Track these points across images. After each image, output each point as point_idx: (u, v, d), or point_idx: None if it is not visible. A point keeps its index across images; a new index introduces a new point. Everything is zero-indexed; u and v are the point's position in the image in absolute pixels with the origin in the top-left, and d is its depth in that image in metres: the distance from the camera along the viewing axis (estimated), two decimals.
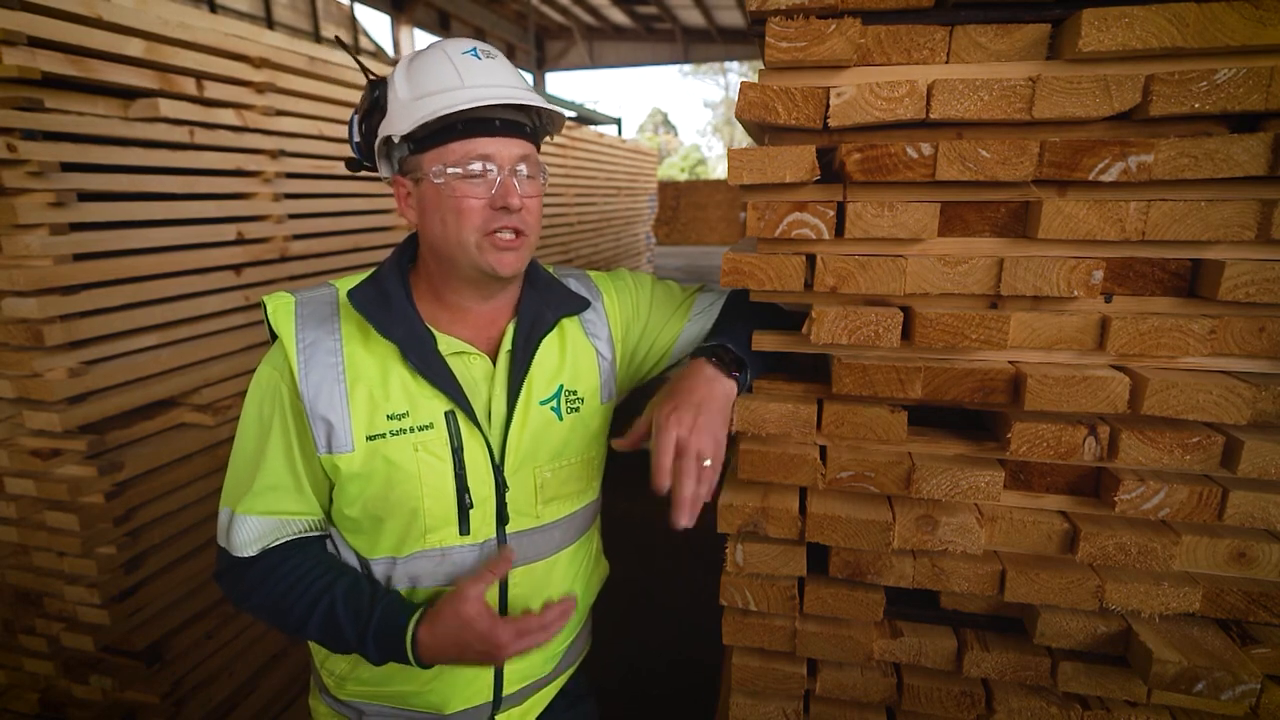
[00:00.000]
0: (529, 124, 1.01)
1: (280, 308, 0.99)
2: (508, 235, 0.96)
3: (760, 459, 0.96)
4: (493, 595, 1.04)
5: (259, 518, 0.98)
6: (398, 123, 0.95)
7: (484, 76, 0.95)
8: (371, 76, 1.04)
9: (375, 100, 1.01)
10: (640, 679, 2.57)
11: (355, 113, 1.04)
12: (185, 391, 2.09)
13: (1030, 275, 0.83)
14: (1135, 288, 0.86)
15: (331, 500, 1.02)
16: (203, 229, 2.12)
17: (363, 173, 1.09)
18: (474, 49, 0.98)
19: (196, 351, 2.12)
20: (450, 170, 0.94)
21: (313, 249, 2.56)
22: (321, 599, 0.96)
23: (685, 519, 0.87)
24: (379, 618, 0.95)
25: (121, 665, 1.92)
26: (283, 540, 0.99)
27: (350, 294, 0.99)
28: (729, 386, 0.96)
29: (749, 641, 1.03)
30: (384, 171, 1.04)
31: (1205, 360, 0.85)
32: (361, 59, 1.17)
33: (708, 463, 0.89)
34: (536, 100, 0.97)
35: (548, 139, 1.10)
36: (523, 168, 0.97)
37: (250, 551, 0.98)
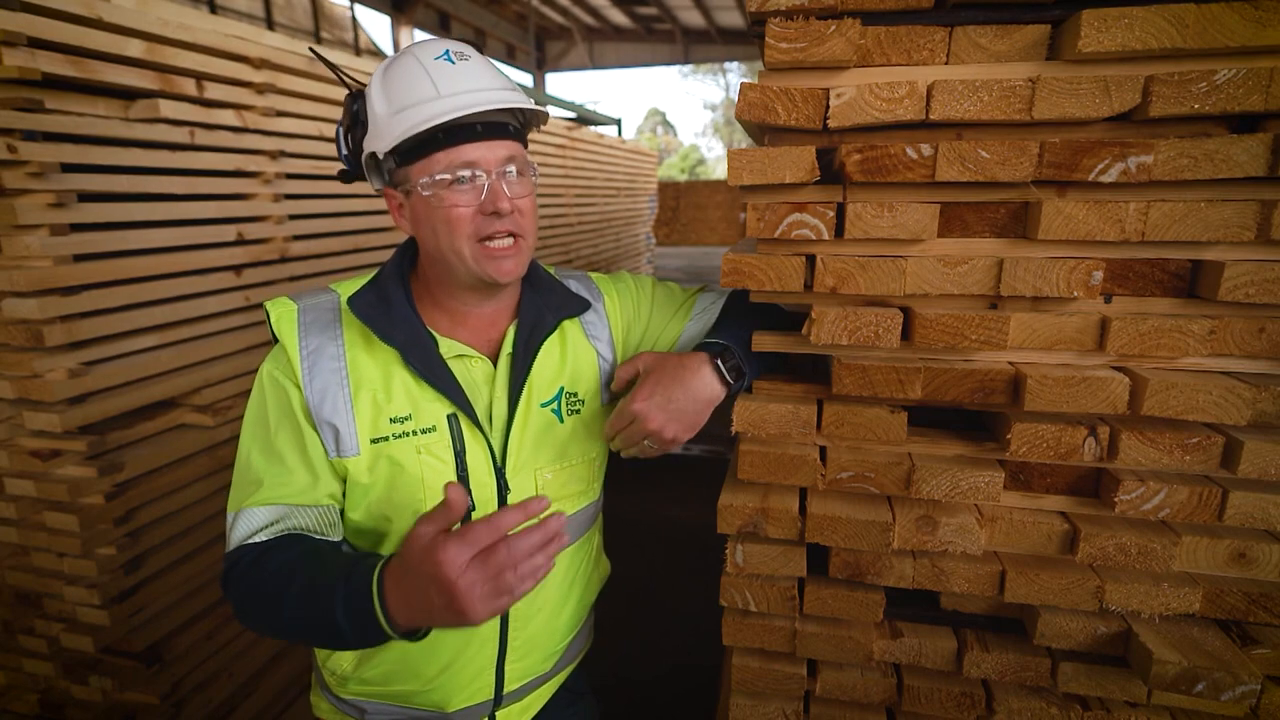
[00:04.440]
0: (512, 123, 1.00)
1: (284, 315, 0.99)
2: (504, 242, 0.96)
3: (760, 459, 0.96)
4: None
5: (267, 507, 0.94)
6: (379, 139, 0.95)
7: (460, 82, 0.93)
8: (351, 88, 1.03)
9: (355, 115, 1.00)
10: (640, 678, 2.57)
11: (339, 126, 1.03)
12: (185, 392, 2.09)
13: (1030, 276, 0.83)
14: (1135, 288, 0.86)
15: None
16: (203, 230, 2.12)
17: (357, 183, 1.08)
18: (446, 52, 0.96)
19: (197, 352, 2.12)
20: (437, 178, 0.93)
21: (313, 249, 2.56)
22: (298, 574, 0.86)
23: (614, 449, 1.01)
24: (349, 571, 0.82)
25: (121, 666, 1.92)
26: (287, 530, 0.95)
27: (350, 301, 0.98)
28: (716, 393, 0.98)
29: (749, 642, 1.03)
30: (375, 184, 1.03)
31: (1205, 361, 0.85)
32: (351, 67, 1.16)
33: (652, 446, 0.97)
34: (514, 101, 0.95)
35: (541, 132, 1.09)
36: (511, 169, 0.96)
37: (256, 539, 0.93)
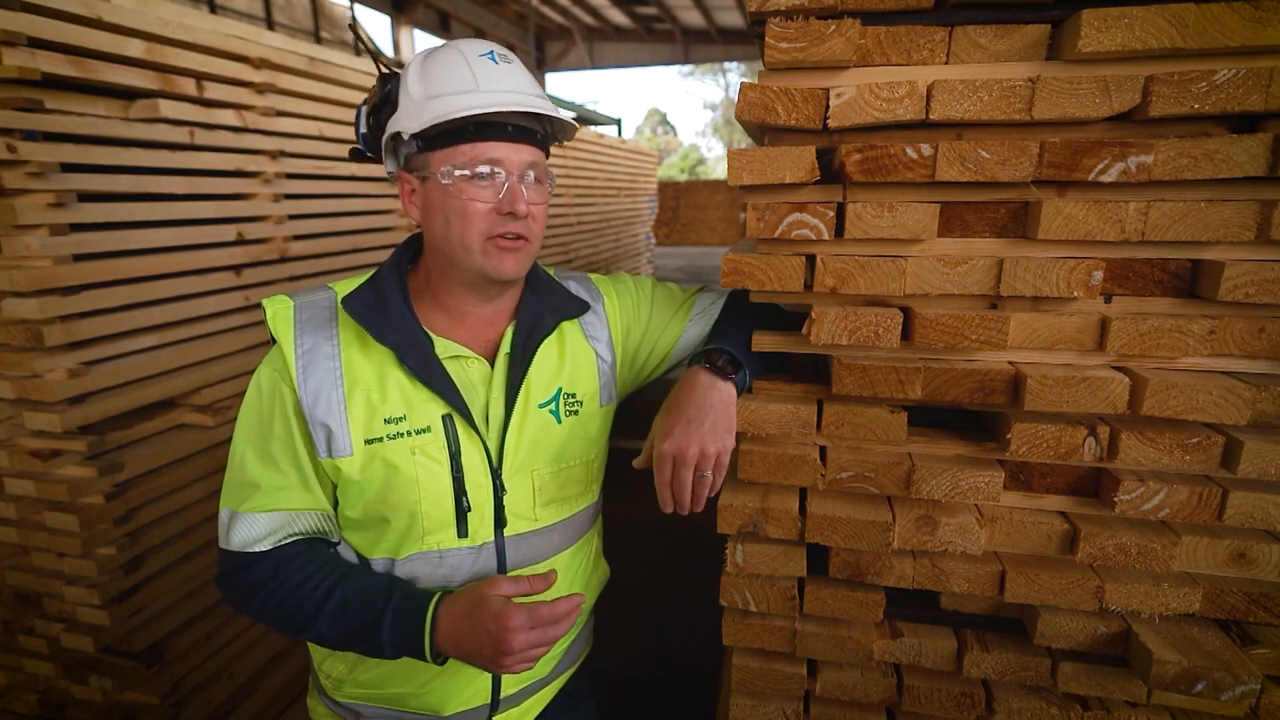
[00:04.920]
0: (540, 131, 1.01)
1: (279, 313, 0.99)
2: (511, 240, 0.96)
3: (760, 459, 0.96)
4: None
5: (267, 514, 0.96)
6: (408, 120, 0.95)
7: (500, 81, 0.95)
8: (384, 70, 1.03)
9: (386, 95, 1.00)
10: (640, 678, 2.57)
11: (364, 104, 1.03)
12: (185, 392, 2.09)
13: (1030, 276, 0.83)
14: (1135, 288, 0.86)
15: (336, 500, 1.01)
16: (203, 229, 2.12)
17: (365, 166, 1.09)
18: (491, 52, 0.97)
19: (196, 352, 2.12)
20: (458, 172, 0.94)
21: (312, 249, 2.56)
22: (335, 591, 0.95)
23: (684, 513, 0.95)
24: (399, 601, 0.93)
25: (121, 666, 1.92)
26: (293, 537, 0.98)
27: (345, 300, 0.98)
28: (726, 390, 0.97)
29: (749, 642, 1.03)
30: (389, 166, 1.04)
31: (1205, 361, 0.85)
32: (351, 66, 1.17)
33: (706, 474, 0.92)
34: (552, 110, 0.96)
35: (555, 145, 1.09)
36: (531, 174, 0.97)
37: (260, 548, 0.96)
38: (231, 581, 0.98)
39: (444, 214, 0.96)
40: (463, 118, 0.92)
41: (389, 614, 0.93)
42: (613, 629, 1.88)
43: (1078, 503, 0.91)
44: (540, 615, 0.89)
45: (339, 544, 1.04)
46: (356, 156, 1.08)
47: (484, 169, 0.94)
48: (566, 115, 0.99)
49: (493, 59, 0.97)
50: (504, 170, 0.95)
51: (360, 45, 1.22)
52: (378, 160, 1.05)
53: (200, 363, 2.15)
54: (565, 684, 1.20)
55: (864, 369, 0.90)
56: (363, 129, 1.04)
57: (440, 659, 0.93)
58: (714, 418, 0.94)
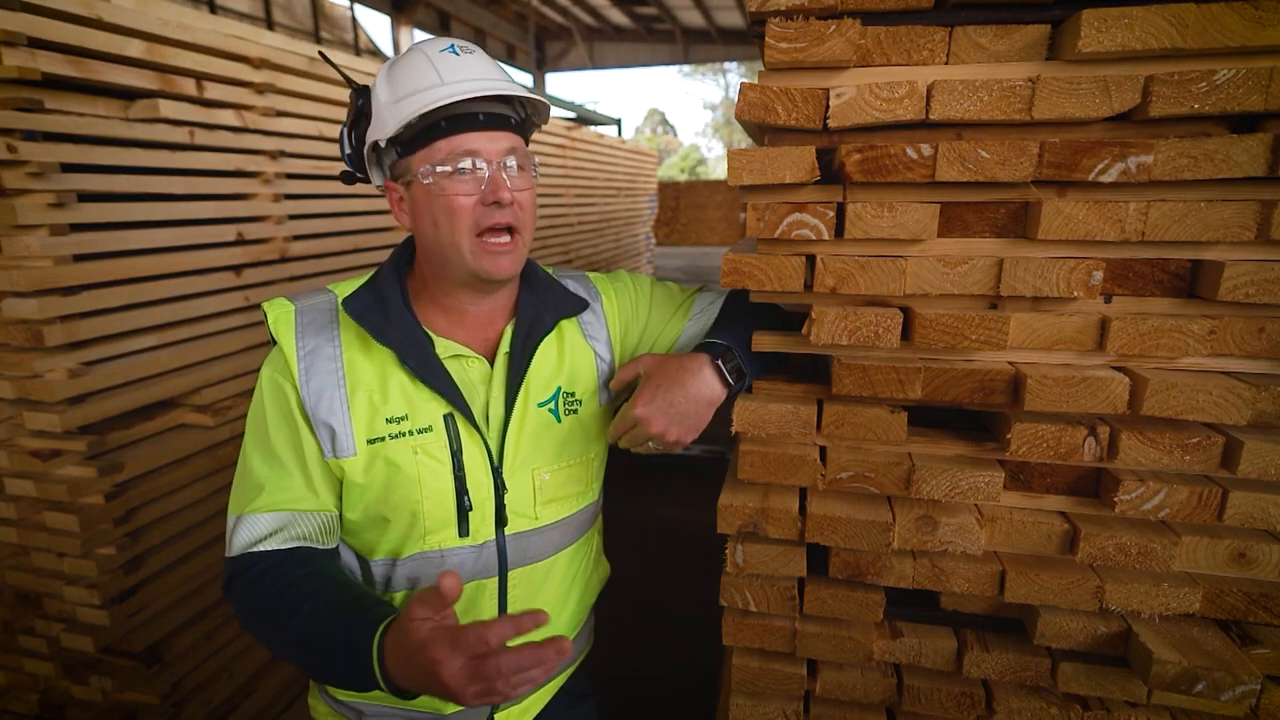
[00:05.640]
0: (514, 116, 1.00)
1: (281, 316, 0.99)
2: (501, 238, 0.96)
3: (760, 459, 0.96)
4: (492, 598, 1.04)
5: (271, 514, 0.95)
6: (382, 127, 0.95)
7: (463, 72, 0.95)
8: (355, 85, 1.04)
9: (360, 109, 1.00)
10: (640, 680, 2.57)
11: (344, 124, 1.04)
12: (185, 392, 2.09)
13: (1030, 276, 0.83)
14: (1135, 288, 0.86)
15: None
16: (203, 230, 2.12)
17: (358, 184, 1.09)
18: (451, 46, 0.98)
19: (196, 352, 2.13)
20: (438, 169, 0.94)
21: (313, 250, 2.56)
22: (304, 603, 0.87)
23: (618, 447, 1.03)
24: (350, 624, 0.83)
25: (121, 666, 1.92)
26: (294, 541, 0.96)
27: (346, 302, 0.98)
28: (718, 395, 0.99)
29: (749, 642, 1.03)
30: (376, 179, 1.04)
31: (1205, 361, 0.85)
32: (352, 66, 1.17)
33: (657, 447, 0.98)
34: (517, 90, 0.96)
35: (542, 132, 1.09)
36: (511, 161, 0.97)
37: (262, 547, 0.94)
38: (233, 590, 0.95)
39: (431, 215, 0.96)
40: (433, 112, 0.92)
41: (340, 649, 0.83)
42: (613, 629, 1.88)
43: (1078, 503, 0.91)
44: (466, 643, 0.73)
45: (338, 547, 1.04)
46: (347, 179, 1.08)
47: (464, 162, 0.94)
48: (532, 94, 0.99)
49: (454, 52, 0.97)
50: (483, 160, 0.94)
51: (334, 65, 1.23)
52: (366, 179, 1.05)
53: (200, 363, 2.15)
54: (565, 682, 1.21)
55: (864, 369, 0.90)
56: (347, 149, 1.04)
57: (409, 694, 0.81)
58: (694, 414, 0.97)
